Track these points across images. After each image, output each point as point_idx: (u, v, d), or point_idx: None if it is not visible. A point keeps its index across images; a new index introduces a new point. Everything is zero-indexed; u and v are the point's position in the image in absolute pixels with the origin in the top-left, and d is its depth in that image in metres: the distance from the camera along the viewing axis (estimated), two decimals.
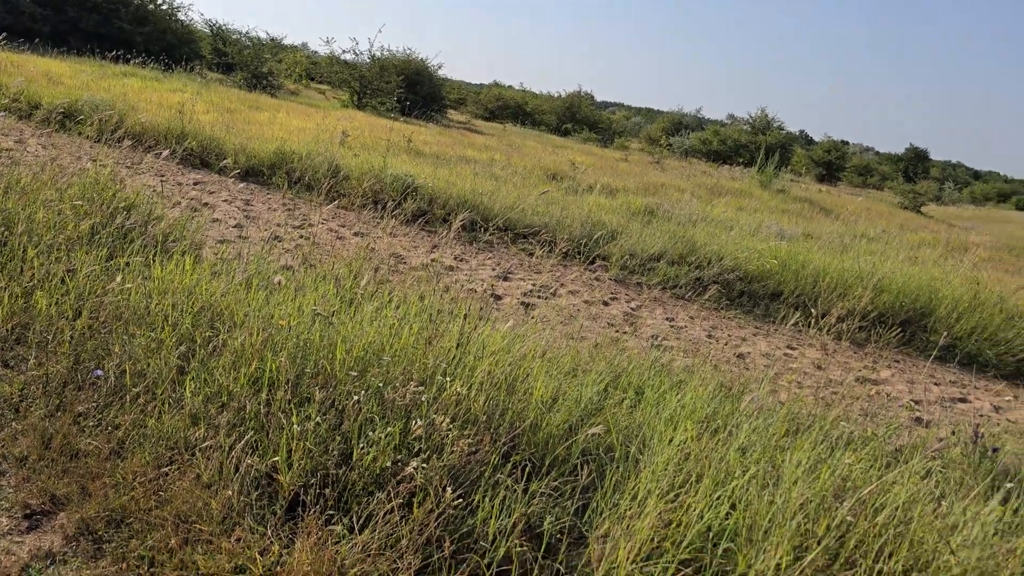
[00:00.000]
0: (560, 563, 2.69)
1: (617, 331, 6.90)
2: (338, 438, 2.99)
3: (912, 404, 6.39)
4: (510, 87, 51.73)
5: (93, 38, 26.27)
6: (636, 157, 29.80)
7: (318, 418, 3.00)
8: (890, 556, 2.59)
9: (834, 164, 42.87)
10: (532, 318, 5.11)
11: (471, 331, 3.66)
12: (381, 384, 3.22)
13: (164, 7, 30.19)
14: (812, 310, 7.10)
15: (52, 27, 26.54)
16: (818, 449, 3.48)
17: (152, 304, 3.97)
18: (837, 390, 6.18)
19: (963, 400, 6.86)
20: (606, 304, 7.97)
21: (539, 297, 7.56)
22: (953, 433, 4.34)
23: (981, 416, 6.37)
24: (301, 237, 7.73)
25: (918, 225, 22.14)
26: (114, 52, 22.51)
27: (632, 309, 7.96)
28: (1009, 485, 3.10)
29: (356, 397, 3.04)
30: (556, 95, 46.65)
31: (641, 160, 28.15)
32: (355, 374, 3.30)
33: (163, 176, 9.64)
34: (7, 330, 3.89)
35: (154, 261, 4.53)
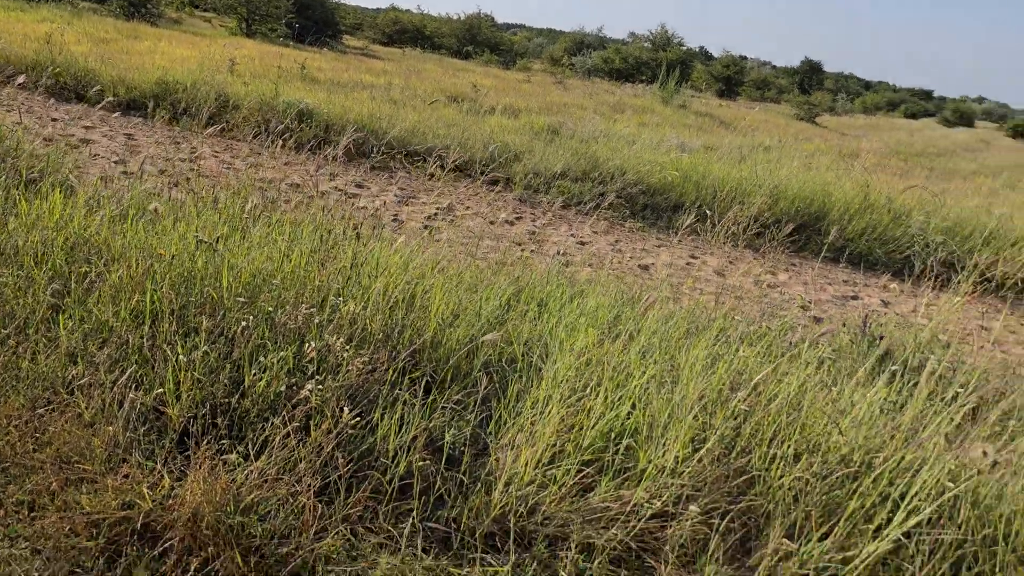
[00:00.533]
0: (463, 473, 2.68)
1: (523, 249, 6.88)
2: (228, 366, 2.87)
3: (807, 303, 6.64)
4: (408, 11, 50.03)
5: None
6: (539, 78, 29.49)
7: (206, 347, 2.87)
8: (783, 442, 2.67)
9: (733, 79, 43.44)
10: (436, 240, 5.02)
11: (365, 251, 3.55)
12: (271, 309, 3.10)
13: None
14: (709, 213, 7.23)
15: None
16: (716, 347, 3.56)
17: (20, 241, 3.69)
18: (736, 293, 6.35)
19: (855, 298, 7.17)
20: (511, 224, 7.93)
21: (443, 220, 7.45)
22: (844, 325, 4.52)
23: (871, 311, 6.67)
24: (190, 170, 7.35)
25: (812, 134, 22.81)
26: None
27: (537, 227, 7.95)
28: (894, 367, 3.23)
29: (244, 323, 2.91)
30: (456, 17, 45.42)
31: (544, 81, 27.87)
32: (244, 301, 3.16)
33: (31, 110, 8.97)
34: None
35: (21, 197, 4.20)
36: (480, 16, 44.83)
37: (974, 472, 2.34)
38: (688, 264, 7.49)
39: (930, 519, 2.38)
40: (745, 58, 57.92)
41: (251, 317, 2.97)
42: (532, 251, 6.85)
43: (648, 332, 3.62)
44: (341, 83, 14.64)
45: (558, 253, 6.94)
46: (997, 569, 2.30)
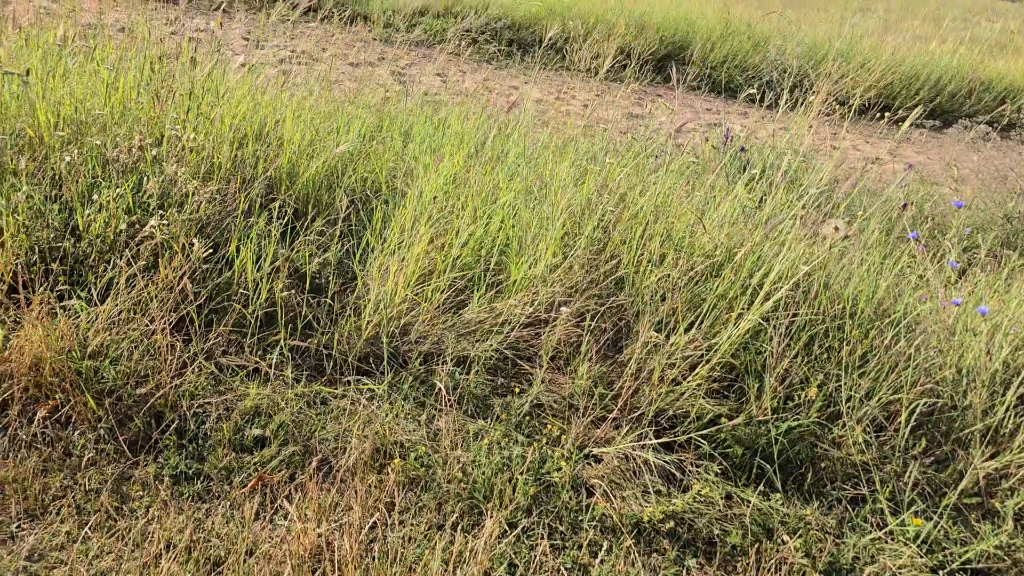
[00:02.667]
0: (332, 300, 2.58)
1: (387, 91, 6.56)
2: (57, 208, 2.59)
3: (672, 131, 6.70)
4: None
5: None
6: None
7: (28, 189, 2.57)
8: (648, 243, 2.69)
9: None
10: (292, 85, 4.67)
11: (204, 80, 3.23)
12: (100, 144, 2.79)
13: None
14: (572, 49, 7.07)
15: None
16: (583, 162, 3.51)
17: None
18: (604, 124, 6.32)
19: (717, 125, 7.29)
20: (372, 66, 7.51)
21: (299, 64, 6.96)
22: (707, 140, 4.57)
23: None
24: None
25: None
26: None
27: (401, 68, 7.58)
28: (754, 171, 3.29)
29: (68, 158, 2.62)
30: None
31: None
32: (67, 139, 2.83)
33: None
34: None
35: None
36: None
37: (827, 251, 2.44)
38: (559, 99, 7.37)
39: (786, 304, 2.47)
40: None
41: (76, 151, 2.68)
42: (397, 92, 6.54)
43: (516, 154, 3.53)
44: None
45: (425, 94, 6.66)
46: (844, 343, 2.43)
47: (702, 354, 2.32)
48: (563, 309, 2.36)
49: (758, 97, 7.76)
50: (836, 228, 2.21)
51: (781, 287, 2.25)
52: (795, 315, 2.41)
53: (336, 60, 7.41)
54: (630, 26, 8.32)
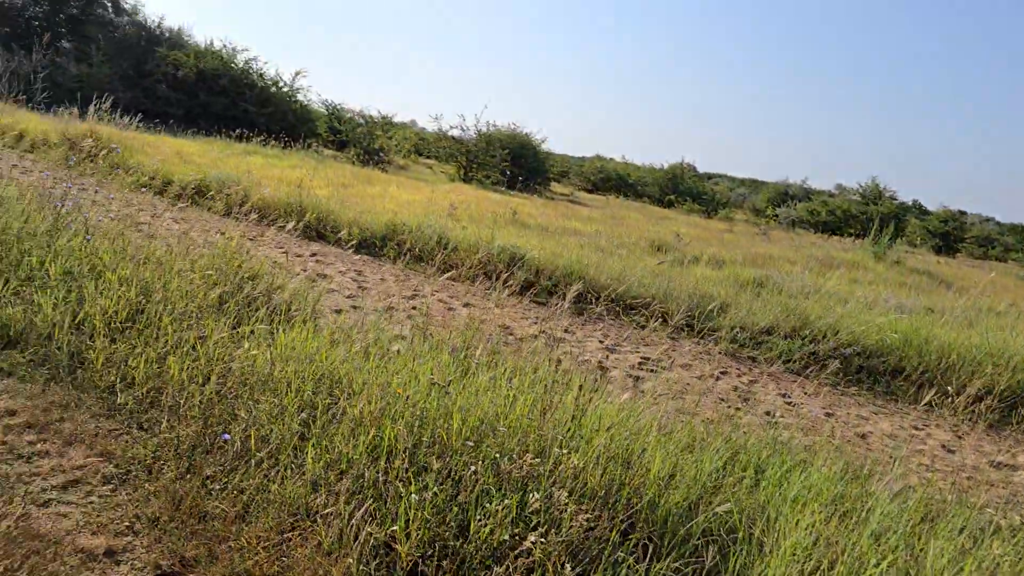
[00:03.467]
0: None
1: (730, 406, 6.70)
2: (455, 509, 2.97)
3: None
4: (612, 159, 52.26)
5: (221, 119, 28.12)
6: (741, 228, 29.35)
7: (435, 488, 3.00)
8: None
9: (952, 235, 40.94)
10: (642, 392, 5.02)
11: (586, 403, 3.62)
12: (497, 455, 3.21)
13: (285, 89, 32.12)
14: (947, 388, 6.71)
15: (185, 110, 28.65)
16: (960, 538, 3.24)
17: (275, 371, 4.11)
18: (972, 475, 5.77)
19: None
20: (717, 379, 7.76)
21: (648, 370, 7.44)
22: None
23: None
24: (412, 308, 7.91)
25: None
26: (239, 131, 24.06)
27: (744, 384, 7.72)
28: None
29: (473, 468, 3.03)
30: (658, 167, 46.76)
31: (747, 231, 27.68)
32: (471, 444, 3.30)
33: (283, 248, 10.10)
34: (143, 394, 4.10)
35: (277, 329, 4.71)
36: (683, 165, 45.87)
37: None
38: (912, 436, 6.92)
39: None
40: (964, 213, 54.57)
41: (479, 462, 3.09)
42: (740, 409, 6.65)
43: (881, 516, 3.36)
44: (549, 229, 15.34)
45: (768, 414, 6.69)
46: None
47: None
48: None
49: None
50: None
51: None
52: None
53: (682, 370, 7.78)
54: (1004, 366, 7.74)
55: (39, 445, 3.64)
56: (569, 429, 3.48)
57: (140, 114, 18.26)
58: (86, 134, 15.03)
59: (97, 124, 16.07)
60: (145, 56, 29.78)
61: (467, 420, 3.45)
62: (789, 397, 7.55)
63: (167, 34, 32.82)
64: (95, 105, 16.18)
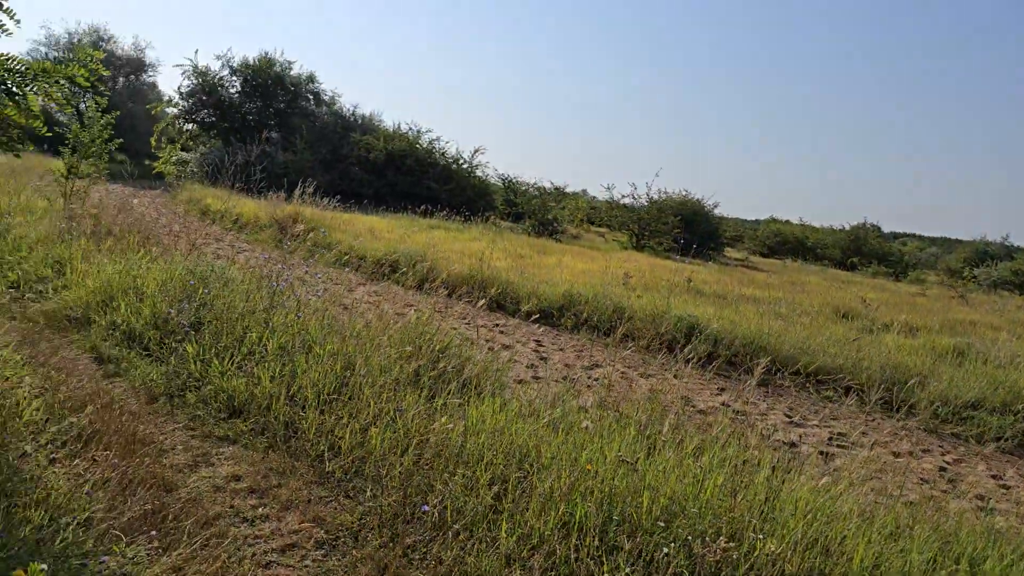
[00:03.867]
0: None
1: (932, 488, 6.23)
2: None
3: None
4: (788, 222, 50.50)
5: (407, 196, 30.09)
6: (935, 291, 27.30)
7: (627, 568, 3.03)
8: None
9: None
10: (835, 470, 4.80)
11: (779, 485, 3.53)
12: (689, 536, 3.19)
13: (465, 166, 33.88)
14: None
15: (375, 189, 30.93)
16: None
17: (467, 443, 4.31)
18: None
19: None
20: (918, 457, 7.23)
21: (838, 446, 7.07)
22: None
23: None
24: (591, 378, 8.00)
25: None
26: (423, 207, 25.58)
27: (950, 464, 7.15)
28: None
29: (664, 549, 3.03)
30: (839, 228, 44.68)
31: (941, 294, 25.71)
32: (662, 524, 3.30)
33: (467, 318, 10.55)
34: (348, 463, 4.42)
35: (468, 402, 4.94)
36: (865, 226, 43.59)
37: None
38: None
39: None
40: None
41: (670, 543, 3.09)
42: (945, 492, 6.16)
43: None
44: (726, 296, 15.03)
45: (978, 498, 6.15)
46: None
47: None
48: None
49: None
50: None
51: None
52: None
53: (877, 447, 7.32)
54: None
55: (260, 509, 4.01)
56: (763, 512, 3.40)
57: (337, 195, 19.88)
58: (291, 215, 16.55)
59: (301, 206, 17.68)
60: (341, 141, 32.53)
61: (656, 499, 3.46)
62: (1003, 479, 6.90)
63: (360, 120, 35.74)
64: (299, 188, 17.90)
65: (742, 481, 3.67)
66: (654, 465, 3.80)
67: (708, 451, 4.13)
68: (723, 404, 7.83)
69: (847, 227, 43.50)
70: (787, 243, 42.80)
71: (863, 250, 39.72)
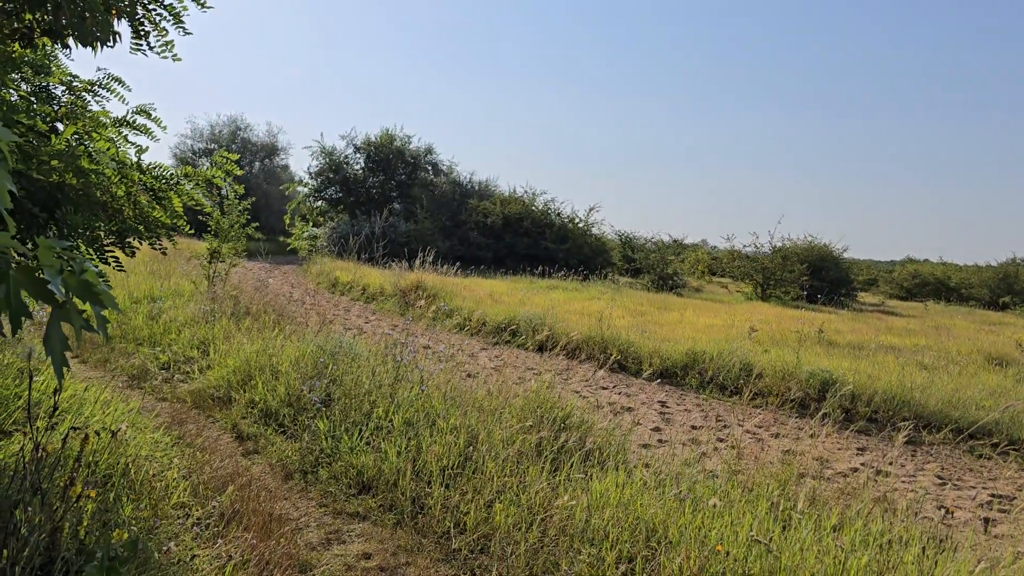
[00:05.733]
0: None
1: None
2: None
3: None
4: (927, 261, 47.75)
5: (524, 258, 30.50)
6: None
7: None
8: None
9: None
10: (996, 537, 4.41)
11: (931, 567, 3.26)
12: None
13: (581, 225, 34.05)
14: None
15: (493, 252, 31.50)
16: None
17: (592, 518, 4.22)
18: None
19: None
20: None
21: (1000, 510, 6.49)
22: None
23: None
24: (719, 440, 7.73)
25: None
26: (540, 268, 25.80)
27: None
28: None
29: None
30: (985, 265, 41.82)
31: None
32: None
33: (588, 380, 10.47)
34: (473, 540, 4.42)
35: (591, 476, 4.87)
36: (1016, 261, 40.61)
37: None
38: None
39: None
40: None
41: None
42: None
43: None
44: (861, 346, 14.27)
45: None
46: None
47: None
48: None
49: None
50: None
51: None
52: None
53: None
54: None
55: None
56: None
57: (457, 260, 20.37)
58: (414, 284, 17.06)
59: (423, 274, 18.21)
60: (459, 208, 33.49)
61: None
62: None
63: (476, 186, 36.72)
64: (420, 257, 18.48)
65: (889, 562, 3.41)
66: (789, 544, 3.60)
67: (850, 526, 3.88)
68: (863, 465, 7.37)
69: (995, 264, 40.66)
70: (927, 284, 40.38)
71: (1015, 288, 36.91)
